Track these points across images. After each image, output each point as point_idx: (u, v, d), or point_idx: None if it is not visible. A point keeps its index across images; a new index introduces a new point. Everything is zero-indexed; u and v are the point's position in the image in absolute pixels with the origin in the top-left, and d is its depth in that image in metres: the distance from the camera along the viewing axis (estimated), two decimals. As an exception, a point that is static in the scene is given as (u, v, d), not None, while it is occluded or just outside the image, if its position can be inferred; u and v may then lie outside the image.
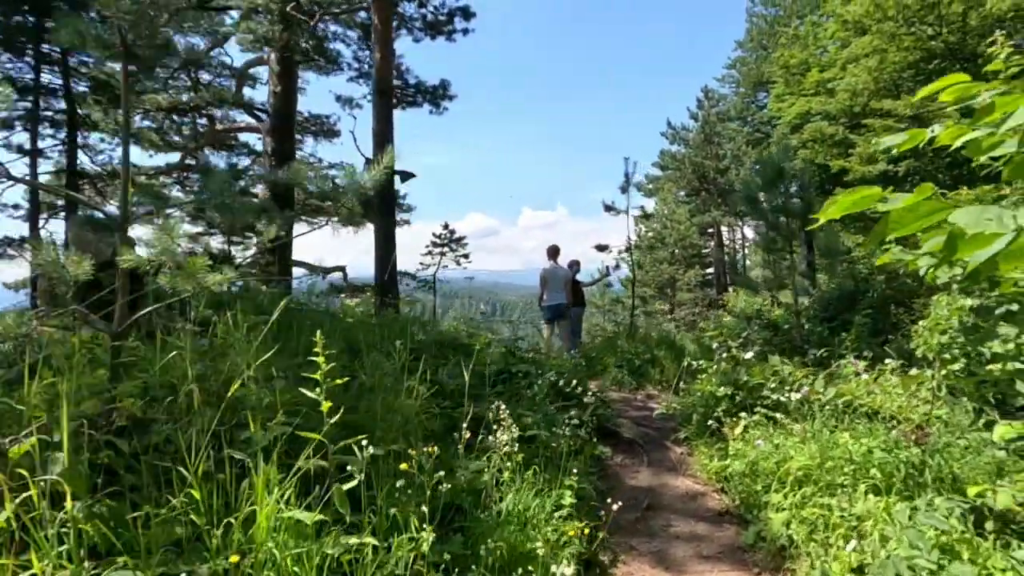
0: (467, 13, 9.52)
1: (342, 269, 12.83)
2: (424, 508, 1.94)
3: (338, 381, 2.06)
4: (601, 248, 7.93)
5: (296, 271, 13.11)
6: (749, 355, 4.27)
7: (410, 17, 9.75)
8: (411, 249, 14.97)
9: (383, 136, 7.12)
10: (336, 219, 3.07)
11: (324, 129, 13.02)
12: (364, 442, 2.10)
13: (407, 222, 14.13)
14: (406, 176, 7.55)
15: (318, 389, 1.98)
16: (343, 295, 12.44)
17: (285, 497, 1.62)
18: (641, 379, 6.16)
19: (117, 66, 8.98)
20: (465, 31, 9.83)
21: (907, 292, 5.93)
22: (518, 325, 10.04)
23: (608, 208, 8.15)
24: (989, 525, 2.33)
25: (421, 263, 12.57)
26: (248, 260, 9.71)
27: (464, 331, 6.39)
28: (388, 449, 2.29)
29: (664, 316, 19.98)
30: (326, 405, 1.93)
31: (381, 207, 7.06)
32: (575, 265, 9.22)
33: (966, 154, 1.54)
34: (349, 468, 1.87)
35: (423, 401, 3.26)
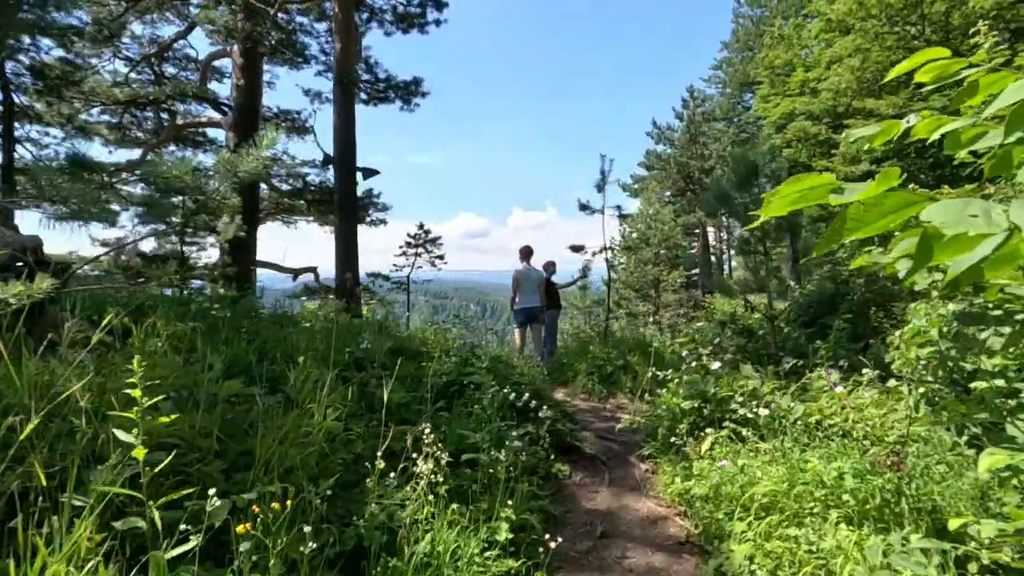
0: (439, 3, 9.17)
1: (312, 270, 12.43)
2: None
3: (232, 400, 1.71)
4: (576, 249, 7.62)
5: (270, 273, 12.67)
6: (717, 365, 3.98)
7: (380, 9, 9.39)
8: (393, 250, 14.63)
9: (345, 131, 6.76)
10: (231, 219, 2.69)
11: (296, 126, 12.61)
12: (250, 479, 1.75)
13: (382, 222, 13.77)
14: (369, 173, 7.19)
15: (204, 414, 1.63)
16: (304, 298, 12.03)
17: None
18: (612, 387, 5.87)
19: (59, 52, 8.55)
20: (438, 22, 9.48)
21: (888, 295, 5.68)
22: (502, 333, 9.75)
23: (583, 207, 7.85)
24: (973, 567, 2.05)
25: (395, 264, 12.21)
26: (207, 262, 9.29)
27: (427, 336, 6.06)
28: (281, 487, 1.94)
29: (647, 318, 19.75)
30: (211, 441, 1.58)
31: (343, 206, 6.70)
32: (551, 267, 8.92)
33: (946, 150, 1.24)
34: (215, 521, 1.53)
35: (351, 419, 2.93)
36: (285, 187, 12.55)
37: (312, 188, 12.44)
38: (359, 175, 6.87)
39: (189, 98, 9.90)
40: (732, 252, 30.39)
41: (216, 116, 9.80)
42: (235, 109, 9.04)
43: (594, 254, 7.85)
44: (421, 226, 12.51)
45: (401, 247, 12.55)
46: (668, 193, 26.29)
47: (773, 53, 24.01)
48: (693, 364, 4.27)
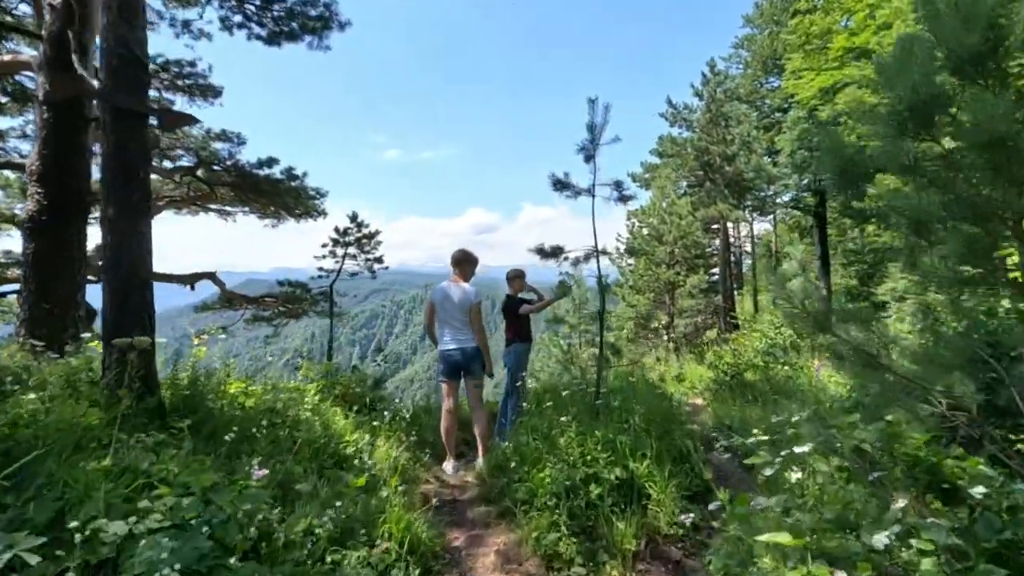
0: None
1: (211, 276, 9.45)
2: None
3: None
4: (548, 254, 4.56)
5: (167, 286, 9.74)
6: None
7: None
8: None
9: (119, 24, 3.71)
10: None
11: (199, 85, 9.61)
12: None
13: (321, 213, 10.72)
14: (174, 119, 4.19)
15: None
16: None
17: None
18: (596, 544, 2.83)
19: None
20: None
21: None
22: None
23: (562, 185, 4.78)
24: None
25: (320, 269, 9.24)
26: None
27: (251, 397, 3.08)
28: None
29: (660, 334, 16.59)
30: None
31: (111, 176, 3.71)
32: (517, 279, 5.86)
33: None
34: None
35: None
36: (168, 165, 9.56)
37: (217, 167, 9.45)
38: (153, 120, 3.86)
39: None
40: (757, 251, 26.89)
41: (27, 54, 6.88)
42: (47, 40, 6.06)
43: (578, 261, 4.74)
44: (354, 218, 9.52)
45: (325, 245, 9.58)
46: (684, 184, 22.99)
47: (808, 20, 20.63)
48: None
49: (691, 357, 13.11)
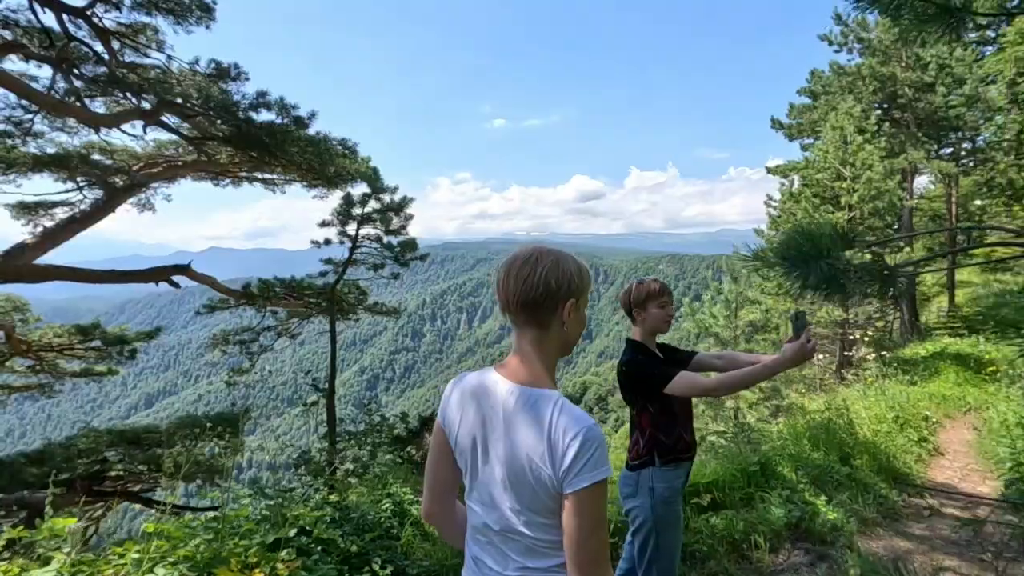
0: None
1: (183, 270, 6.51)
2: None
3: None
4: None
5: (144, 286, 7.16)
6: None
7: None
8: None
9: None
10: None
11: (181, 5, 6.66)
12: None
13: (358, 176, 7.37)
14: None
15: None
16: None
17: None
18: None
19: None
20: None
21: None
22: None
23: None
24: None
25: (327, 261, 5.95)
26: None
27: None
28: None
29: (834, 341, 11.45)
30: None
31: None
32: (656, 300, 1.97)
33: None
34: None
35: None
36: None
37: (196, 109, 6.44)
38: None
39: None
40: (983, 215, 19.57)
41: None
42: None
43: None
44: (373, 176, 6.06)
45: (326, 224, 6.29)
46: (852, 128, 16.85)
47: None
48: None
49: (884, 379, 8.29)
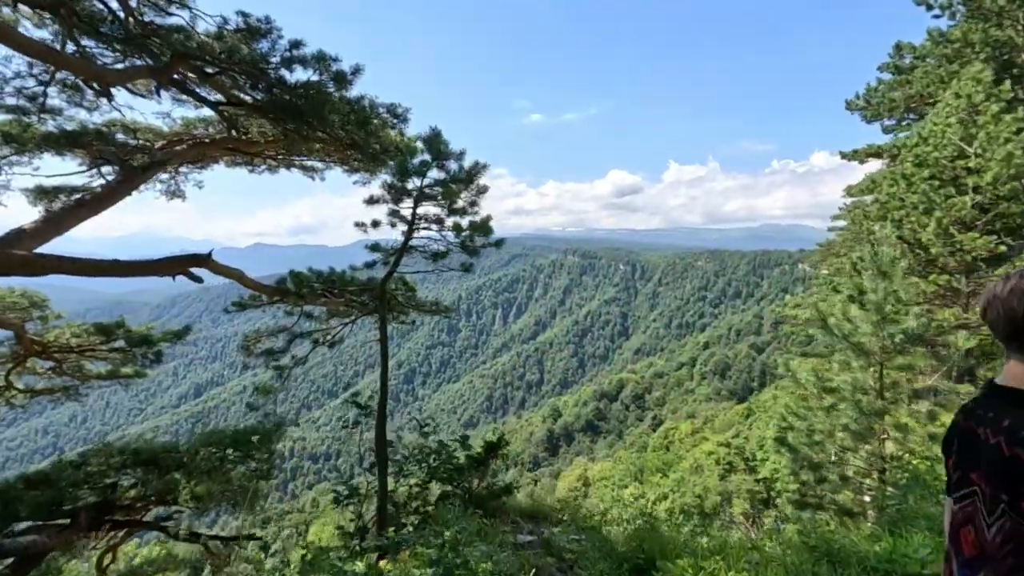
0: None
1: (204, 259, 5.39)
2: None
3: None
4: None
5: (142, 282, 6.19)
6: None
7: None
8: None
9: None
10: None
11: None
12: None
13: (401, 151, 6.14)
14: None
15: None
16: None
17: None
18: None
19: None
20: None
21: None
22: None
23: None
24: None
25: (373, 248, 4.71)
26: None
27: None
28: None
29: (952, 353, 9.57)
30: None
31: None
32: None
33: None
34: None
35: None
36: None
37: (215, 66, 5.35)
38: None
39: None
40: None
41: None
42: None
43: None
44: (434, 139, 4.79)
45: (375, 200, 5.01)
46: (982, 96, 14.59)
47: None
48: None
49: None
